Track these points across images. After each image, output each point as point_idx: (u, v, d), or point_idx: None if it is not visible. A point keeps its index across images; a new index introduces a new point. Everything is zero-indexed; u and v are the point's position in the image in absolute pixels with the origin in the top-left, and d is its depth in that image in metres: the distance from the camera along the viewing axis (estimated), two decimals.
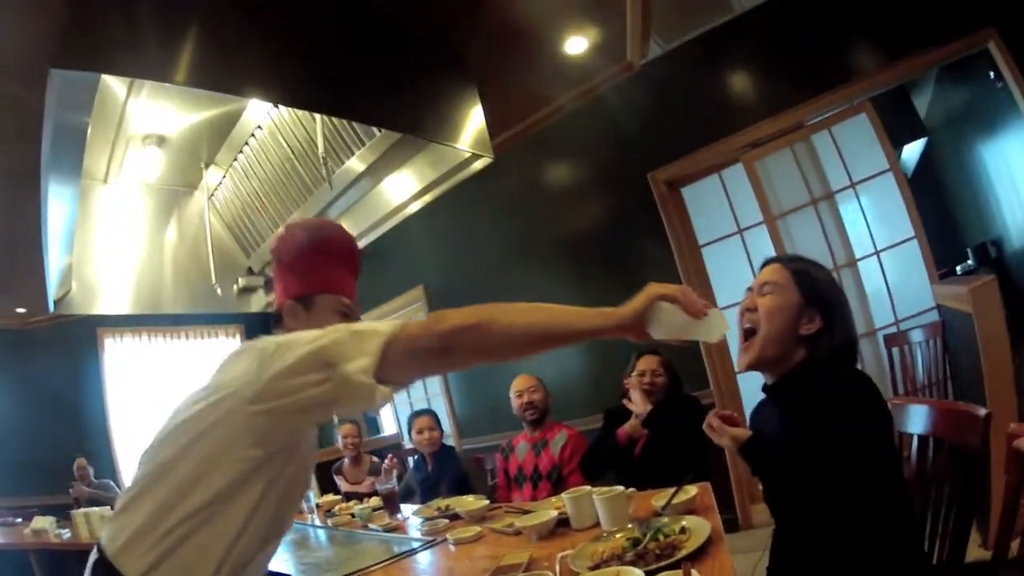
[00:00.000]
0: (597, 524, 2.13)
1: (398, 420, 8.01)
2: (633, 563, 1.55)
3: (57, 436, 7.36)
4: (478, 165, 4.02)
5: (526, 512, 2.53)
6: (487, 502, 2.99)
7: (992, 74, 4.15)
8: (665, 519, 1.84)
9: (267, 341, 1.24)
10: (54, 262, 3.99)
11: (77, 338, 7.94)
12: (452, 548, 2.41)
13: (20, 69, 2.88)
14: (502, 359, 1.29)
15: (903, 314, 4.65)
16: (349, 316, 1.59)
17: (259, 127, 4.15)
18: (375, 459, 5.05)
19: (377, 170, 4.01)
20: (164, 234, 4.81)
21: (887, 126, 4.62)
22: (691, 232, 5.17)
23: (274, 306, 1.65)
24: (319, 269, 1.61)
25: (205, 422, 1.20)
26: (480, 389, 6.29)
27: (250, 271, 5.12)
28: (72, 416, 7.76)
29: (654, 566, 1.52)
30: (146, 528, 1.17)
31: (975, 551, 1.71)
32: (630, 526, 1.89)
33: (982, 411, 1.60)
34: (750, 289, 1.85)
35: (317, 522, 3.74)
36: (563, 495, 2.33)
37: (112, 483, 6.95)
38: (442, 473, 4.13)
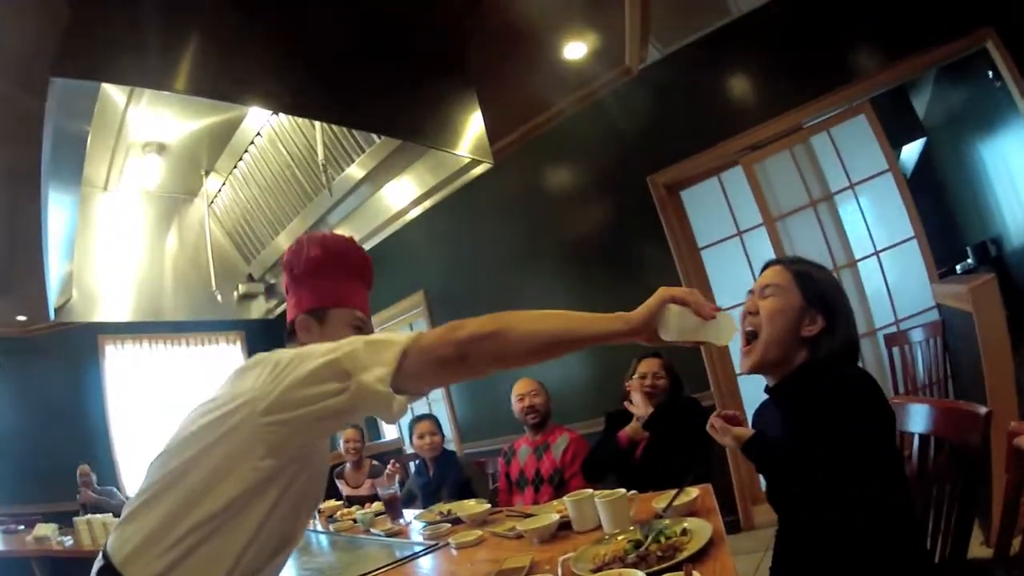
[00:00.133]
0: (599, 527, 2.13)
1: (399, 424, 8.00)
2: (635, 565, 1.55)
3: (58, 443, 7.37)
4: (478, 171, 4.02)
5: (528, 516, 2.53)
6: (489, 506, 2.99)
7: (990, 73, 4.15)
8: (667, 521, 1.85)
9: (281, 353, 1.24)
10: (54, 269, 4.00)
11: (78, 345, 7.93)
12: (454, 552, 2.41)
13: (20, 77, 2.89)
14: (517, 366, 1.28)
15: (903, 314, 4.65)
16: (363, 330, 1.58)
17: (259, 134, 4.16)
18: (375, 462, 5.05)
19: (377, 176, 4.01)
20: (164, 241, 4.83)
21: (886, 127, 4.62)
22: (691, 235, 5.18)
23: (286, 320, 1.64)
24: (333, 283, 1.61)
25: (216, 432, 1.20)
26: (481, 393, 6.29)
27: (250, 278, 5.14)
28: (73, 423, 7.76)
29: (656, 568, 1.52)
30: (155, 536, 1.17)
31: (977, 549, 1.71)
32: (632, 528, 1.89)
33: (983, 410, 1.61)
34: (751, 292, 1.85)
35: (319, 527, 3.74)
36: (565, 498, 2.33)
37: (115, 490, 6.95)
38: (444, 477, 4.13)
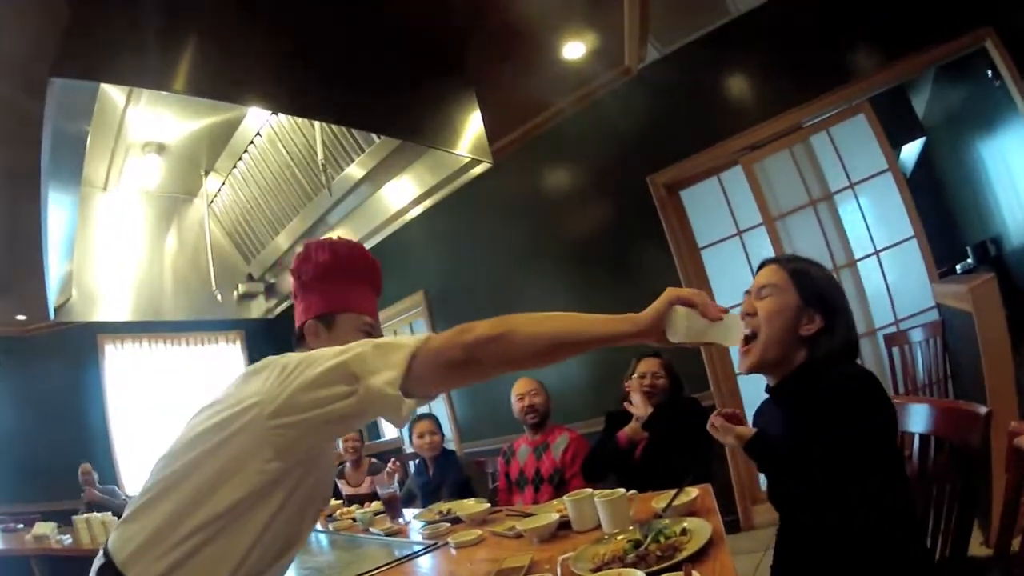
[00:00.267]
0: (598, 526, 2.13)
1: None
2: (634, 565, 1.55)
3: (58, 443, 7.38)
4: (477, 170, 4.02)
5: (527, 515, 2.53)
6: (488, 505, 2.98)
7: (990, 73, 4.15)
8: (666, 521, 1.85)
9: (289, 357, 1.24)
10: (54, 269, 4.00)
11: (78, 345, 7.94)
12: (453, 552, 2.41)
13: (20, 77, 2.89)
14: (525, 368, 1.28)
15: (903, 313, 4.65)
16: (372, 335, 1.59)
17: (258, 134, 4.16)
18: (374, 460, 5.05)
19: (376, 176, 4.02)
20: (164, 241, 4.82)
21: (885, 126, 4.62)
22: (690, 235, 5.18)
23: (294, 325, 1.65)
24: (341, 288, 1.62)
25: (223, 433, 1.20)
26: (481, 393, 6.28)
27: (250, 277, 5.13)
28: (73, 423, 7.77)
29: (655, 568, 1.52)
30: (158, 536, 1.17)
31: (977, 549, 1.70)
32: (631, 528, 1.89)
33: (983, 409, 1.61)
34: (748, 293, 1.84)
35: (319, 527, 3.74)
36: (564, 498, 2.33)
37: (117, 489, 6.95)
38: (443, 477, 4.13)
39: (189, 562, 1.16)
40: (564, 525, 2.26)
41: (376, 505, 3.67)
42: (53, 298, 4.24)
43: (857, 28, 4.25)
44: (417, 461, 4.57)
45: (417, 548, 2.58)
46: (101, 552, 1.24)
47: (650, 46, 4.66)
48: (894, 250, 4.67)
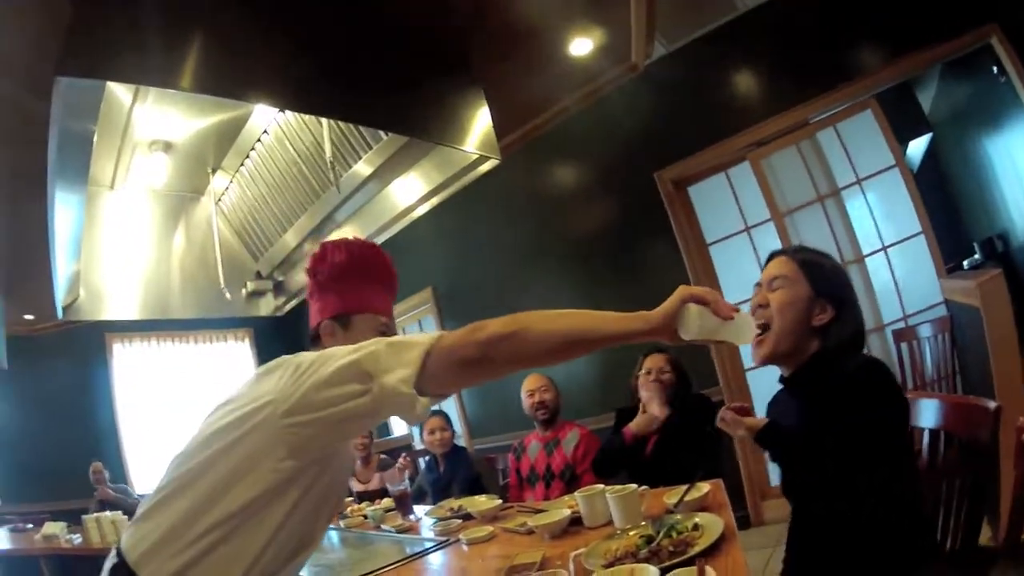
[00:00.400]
0: (610, 522, 2.13)
1: None
2: (647, 560, 1.55)
3: (67, 442, 7.38)
4: (485, 167, 4.03)
5: (539, 511, 2.53)
6: (499, 502, 2.99)
7: (995, 69, 4.14)
8: (678, 516, 1.84)
9: (304, 355, 1.24)
10: (62, 268, 4.01)
11: (86, 344, 7.95)
12: (465, 548, 2.41)
13: (26, 77, 2.90)
14: (538, 365, 1.28)
15: (911, 309, 4.64)
16: (387, 335, 1.57)
17: (265, 132, 4.17)
18: (384, 456, 5.05)
19: (384, 173, 4.02)
20: (172, 239, 4.85)
21: (892, 122, 4.62)
22: (698, 231, 5.17)
23: (309, 325, 1.65)
24: (357, 288, 1.62)
25: (237, 432, 1.20)
26: (491, 390, 6.27)
27: (259, 275, 5.16)
28: (82, 422, 7.79)
29: (668, 563, 1.52)
30: (172, 535, 1.17)
31: (986, 544, 1.71)
32: (643, 524, 1.89)
33: (992, 405, 1.61)
34: (759, 284, 1.85)
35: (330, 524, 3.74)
36: (576, 493, 2.33)
37: (128, 488, 6.97)
38: (454, 473, 4.14)
39: (203, 561, 1.16)
40: (576, 521, 2.26)
41: (387, 502, 3.67)
42: (61, 297, 4.26)
43: (863, 25, 4.24)
44: (428, 458, 4.58)
45: (428, 545, 2.58)
46: (113, 552, 1.24)
47: (656, 43, 4.65)
48: (902, 246, 4.67)
